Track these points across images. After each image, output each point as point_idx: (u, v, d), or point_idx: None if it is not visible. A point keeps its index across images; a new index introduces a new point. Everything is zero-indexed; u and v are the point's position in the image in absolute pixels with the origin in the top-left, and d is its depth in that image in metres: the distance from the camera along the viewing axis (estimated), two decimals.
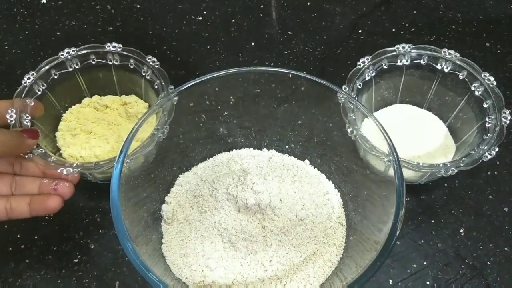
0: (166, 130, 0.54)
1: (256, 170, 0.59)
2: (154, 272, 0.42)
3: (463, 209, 0.61)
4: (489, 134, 0.56)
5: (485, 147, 0.55)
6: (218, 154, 0.63)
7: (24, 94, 0.56)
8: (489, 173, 0.64)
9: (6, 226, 0.59)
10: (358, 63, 0.62)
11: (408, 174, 0.58)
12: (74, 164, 0.52)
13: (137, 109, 0.64)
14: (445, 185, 0.63)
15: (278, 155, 0.62)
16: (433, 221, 0.61)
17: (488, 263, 0.58)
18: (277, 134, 0.62)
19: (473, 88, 0.60)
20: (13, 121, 0.54)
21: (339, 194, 0.60)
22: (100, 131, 0.62)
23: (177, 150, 0.59)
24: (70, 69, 0.61)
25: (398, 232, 0.43)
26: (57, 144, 0.61)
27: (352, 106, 0.55)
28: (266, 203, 0.54)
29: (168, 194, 0.59)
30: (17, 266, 0.57)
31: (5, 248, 0.58)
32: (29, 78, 0.57)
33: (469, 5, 0.83)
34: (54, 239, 0.59)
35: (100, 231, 0.59)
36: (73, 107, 0.64)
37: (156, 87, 0.60)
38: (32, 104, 0.56)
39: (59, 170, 0.52)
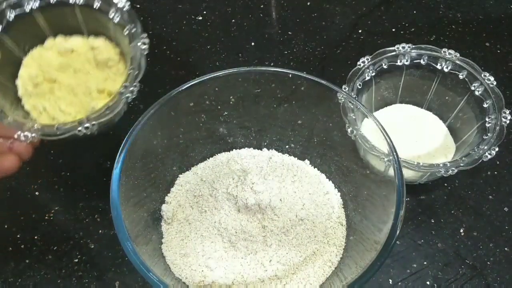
0: (135, 88, 0.49)
1: (256, 170, 0.59)
2: (154, 272, 0.42)
3: (463, 209, 0.61)
4: (489, 134, 0.56)
5: (485, 147, 0.55)
6: (218, 154, 0.63)
7: None
8: (489, 173, 0.64)
9: (6, 226, 0.59)
10: (358, 63, 0.62)
11: (408, 174, 0.58)
12: (34, 127, 0.47)
13: (108, 56, 0.56)
14: (445, 185, 0.63)
15: (278, 155, 0.62)
16: (433, 221, 0.61)
17: (488, 263, 0.58)
18: (277, 134, 0.62)
19: (473, 88, 0.60)
20: None
21: (339, 194, 0.59)
22: (65, 80, 0.55)
23: (177, 150, 0.59)
24: (27, 10, 0.53)
25: (398, 232, 0.44)
26: (18, 94, 0.55)
27: (352, 106, 0.55)
28: (266, 203, 0.54)
29: (168, 194, 0.59)
30: (17, 266, 0.57)
31: (5, 248, 0.58)
32: None
33: (469, 5, 0.83)
34: (54, 239, 0.59)
35: (100, 231, 0.59)
36: (34, 49, 0.57)
37: (125, 33, 0.53)
38: None
39: (15, 136, 0.47)
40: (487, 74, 0.59)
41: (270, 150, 0.63)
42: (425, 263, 0.58)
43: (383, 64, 0.63)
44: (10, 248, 0.58)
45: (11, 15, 0.52)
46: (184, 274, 0.52)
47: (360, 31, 0.80)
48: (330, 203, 0.58)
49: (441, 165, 0.54)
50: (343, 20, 0.82)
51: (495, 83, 0.59)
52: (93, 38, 0.57)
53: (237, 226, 0.54)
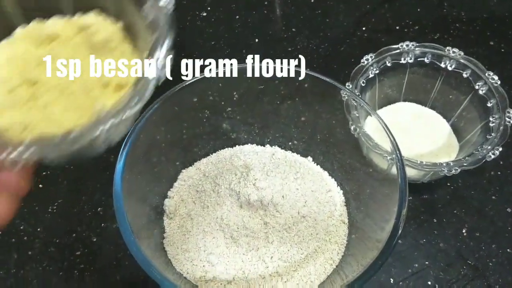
0: (167, 61, 0.33)
1: (259, 166, 0.59)
2: (156, 266, 0.42)
3: (466, 209, 0.61)
4: (492, 134, 0.56)
5: (489, 147, 0.55)
6: (221, 150, 0.63)
7: None
8: (492, 173, 0.64)
9: None
10: (362, 60, 0.62)
11: (411, 172, 0.58)
12: (27, 142, 0.30)
13: (106, 35, 0.38)
14: (448, 184, 0.63)
15: (281, 152, 0.62)
16: (435, 221, 0.60)
17: (490, 264, 0.57)
18: (280, 131, 0.62)
19: (477, 87, 0.60)
20: None
21: (341, 191, 0.59)
22: (52, 78, 0.37)
23: (180, 145, 0.59)
24: None
25: (400, 231, 0.43)
26: None
27: (355, 104, 0.55)
28: (268, 199, 0.54)
29: (171, 189, 0.59)
30: (19, 258, 0.57)
31: (8, 239, 0.58)
32: None
33: (474, 3, 0.83)
34: (57, 232, 0.59)
35: (102, 224, 0.60)
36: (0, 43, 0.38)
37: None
38: None
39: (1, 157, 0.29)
40: (491, 73, 0.59)
41: (273, 146, 0.63)
42: (426, 263, 0.58)
43: (387, 62, 0.62)
44: (13, 240, 0.58)
45: None
46: (185, 269, 0.52)
47: (364, 28, 0.80)
48: (333, 200, 0.58)
49: (444, 164, 0.54)
50: (347, 17, 0.82)
51: (499, 82, 0.59)
52: (81, 16, 0.39)
53: (239, 222, 0.54)
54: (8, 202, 0.31)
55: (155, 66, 0.32)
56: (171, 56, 0.33)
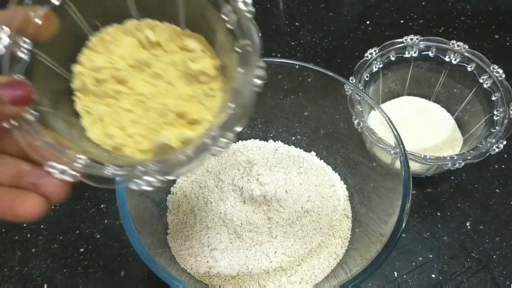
0: (229, 140, 0.31)
1: (262, 161, 0.59)
2: (160, 262, 0.42)
3: (470, 202, 0.61)
4: (497, 127, 0.56)
5: (493, 140, 0.54)
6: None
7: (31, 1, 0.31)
8: (496, 166, 0.64)
9: None
10: (366, 54, 0.62)
11: (414, 166, 0.58)
12: (78, 160, 0.30)
13: (203, 67, 0.36)
14: (452, 178, 0.63)
15: (284, 147, 0.62)
16: (439, 214, 0.60)
17: (494, 256, 0.57)
18: (283, 126, 0.62)
19: (481, 81, 0.60)
20: (2, 51, 0.30)
21: (345, 186, 0.59)
22: (138, 85, 0.36)
23: None
24: None
25: (404, 225, 0.43)
26: (72, 86, 0.36)
27: (359, 98, 0.54)
28: (272, 194, 0.53)
29: (174, 185, 0.59)
30: (23, 255, 0.57)
31: (11, 237, 0.58)
32: None
33: None
34: (60, 229, 0.59)
35: (106, 221, 0.60)
36: (107, 28, 0.36)
37: (237, 48, 0.34)
38: (39, 19, 0.30)
39: (47, 167, 0.29)
40: (496, 67, 0.59)
41: (276, 141, 0.63)
42: (430, 256, 0.57)
43: (391, 56, 0.62)
44: (17, 237, 0.59)
45: None
46: (189, 265, 0.52)
47: (368, 22, 0.80)
48: (336, 195, 0.58)
49: (448, 158, 0.54)
50: (351, 11, 0.82)
51: (504, 76, 0.58)
52: (188, 35, 0.37)
53: (242, 217, 0.54)
54: (40, 204, 0.30)
55: (217, 139, 0.31)
56: (233, 136, 0.32)
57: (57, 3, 0.32)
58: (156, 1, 0.36)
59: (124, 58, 0.36)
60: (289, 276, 0.51)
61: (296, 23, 0.80)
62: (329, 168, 0.61)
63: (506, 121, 0.55)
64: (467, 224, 0.60)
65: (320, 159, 0.62)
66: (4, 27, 0.29)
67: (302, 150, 0.62)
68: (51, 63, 0.34)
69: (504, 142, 0.54)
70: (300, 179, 0.57)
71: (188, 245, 0.53)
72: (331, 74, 0.53)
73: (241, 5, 0.33)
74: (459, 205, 0.61)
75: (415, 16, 0.80)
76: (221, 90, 0.36)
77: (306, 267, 0.52)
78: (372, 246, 0.46)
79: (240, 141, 0.63)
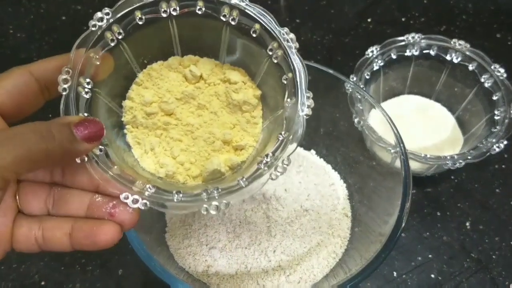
0: (285, 165, 0.35)
1: None
2: (158, 261, 0.42)
3: (470, 202, 0.61)
4: (497, 127, 0.56)
5: (493, 140, 0.54)
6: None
7: (90, 44, 0.34)
8: (496, 166, 0.64)
9: None
10: (367, 52, 0.62)
11: (414, 166, 0.58)
12: (148, 186, 0.33)
13: (246, 98, 0.39)
14: (452, 177, 0.63)
15: None
16: (439, 214, 0.60)
17: (494, 256, 0.57)
18: None
19: (482, 80, 0.59)
20: (67, 90, 0.32)
21: (344, 185, 0.59)
22: (185, 116, 0.39)
23: None
24: (164, 15, 0.37)
25: (403, 225, 0.43)
26: (122, 120, 0.38)
27: (359, 96, 0.54)
28: (271, 193, 0.53)
29: None
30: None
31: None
32: (101, 20, 0.34)
33: None
34: None
35: None
36: (153, 64, 0.39)
37: (284, 81, 0.37)
38: (98, 60, 0.34)
39: (122, 197, 0.32)
40: (497, 66, 0.59)
41: None
42: (430, 256, 0.57)
43: (392, 54, 0.62)
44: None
45: (142, 17, 0.36)
46: (188, 263, 0.52)
47: (369, 20, 0.79)
48: (336, 194, 0.58)
49: (448, 157, 0.53)
50: (352, 8, 0.81)
51: (505, 75, 0.58)
52: (229, 68, 0.40)
53: (241, 215, 0.53)
54: (117, 231, 0.33)
55: (275, 160, 0.35)
56: (288, 160, 0.35)
57: (112, 44, 0.35)
58: (199, 39, 0.39)
59: (171, 91, 0.39)
60: (288, 276, 0.51)
61: (297, 20, 0.79)
62: (328, 166, 0.60)
63: (506, 121, 0.55)
64: (467, 224, 0.59)
65: (320, 158, 0.61)
66: (69, 69, 0.32)
67: (302, 148, 0.62)
68: (106, 99, 0.37)
69: (505, 142, 0.54)
70: (300, 177, 0.57)
71: (187, 244, 0.53)
72: (331, 72, 0.52)
73: (286, 43, 0.37)
74: (459, 204, 0.61)
75: (417, 14, 0.80)
76: (261, 117, 0.40)
77: (305, 266, 0.52)
78: (372, 246, 0.46)
79: None
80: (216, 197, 0.34)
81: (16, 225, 0.32)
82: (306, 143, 0.62)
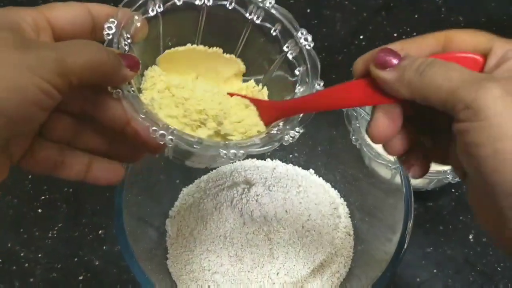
0: (298, 132, 0.37)
1: (260, 181, 0.58)
2: None
3: (472, 215, 0.60)
4: None
5: None
6: (221, 166, 0.62)
7: (135, 7, 0.38)
8: None
9: (9, 245, 0.59)
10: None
11: (415, 181, 0.57)
12: (172, 130, 0.34)
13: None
14: (453, 190, 0.63)
15: (282, 165, 0.62)
16: (441, 228, 0.60)
17: (499, 269, 0.57)
18: (281, 144, 0.61)
19: None
20: (111, 37, 0.35)
21: (345, 203, 0.59)
22: (200, 94, 0.41)
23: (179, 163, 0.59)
24: (199, 2, 0.40)
25: (407, 244, 0.43)
26: (142, 86, 0.40)
27: (355, 114, 0.54)
28: (272, 214, 0.53)
29: (172, 208, 0.58)
30: (22, 285, 0.56)
31: (9, 267, 0.58)
32: None
33: (471, 7, 0.83)
34: (59, 257, 0.58)
35: (104, 247, 0.59)
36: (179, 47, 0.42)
37: (296, 76, 0.41)
38: (139, 23, 0.37)
39: (151, 130, 0.33)
40: None
41: (274, 160, 0.62)
42: (434, 270, 0.57)
43: None
44: (14, 267, 0.58)
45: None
46: None
47: (361, 37, 0.80)
48: (337, 212, 0.57)
49: (448, 171, 0.53)
50: (344, 26, 0.82)
51: None
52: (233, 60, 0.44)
53: (242, 239, 0.53)
54: (116, 169, 0.36)
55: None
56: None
57: (152, 14, 0.38)
58: (220, 33, 0.42)
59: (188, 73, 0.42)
60: None
61: None
62: (328, 185, 0.60)
63: None
64: (470, 236, 0.59)
65: (319, 177, 0.61)
66: (115, 20, 0.35)
67: (300, 168, 0.62)
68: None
69: None
70: (300, 197, 0.57)
71: (189, 269, 0.53)
72: None
73: (303, 41, 0.40)
74: (461, 217, 0.60)
75: (408, 29, 0.80)
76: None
77: None
78: (376, 264, 0.46)
79: (237, 160, 0.62)
80: (234, 147, 0.35)
81: (36, 146, 0.34)
82: (304, 162, 0.62)
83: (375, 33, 0.80)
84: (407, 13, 0.82)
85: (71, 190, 0.63)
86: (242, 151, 0.34)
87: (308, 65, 0.41)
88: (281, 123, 0.38)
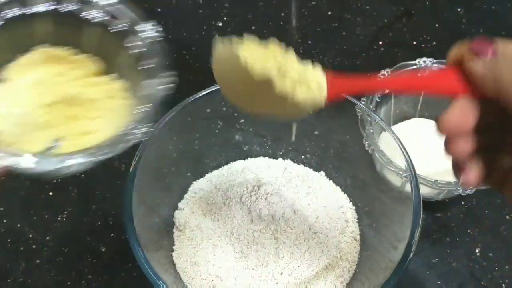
0: (149, 130, 0.38)
1: (271, 180, 0.58)
2: (164, 279, 0.42)
3: (480, 229, 0.60)
4: None
5: None
6: (233, 162, 0.62)
7: None
8: None
9: (18, 225, 0.59)
10: (378, 75, 0.61)
11: (425, 190, 0.57)
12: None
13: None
14: (462, 203, 0.62)
15: (293, 166, 0.62)
16: (448, 240, 0.59)
17: (503, 285, 0.56)
18: (293, 144, 0.62)
19: None
20: None
21: (353, 208, 0.59)
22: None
23: (191, 156, 0.59)
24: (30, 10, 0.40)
25: (412, 253, 0.43)
26: None
27: (369, 119, 0.54)
28: (280, 214, 0.53)
29: (181, 201, 0.58)
30: (27, 266, 0.57)
31: (16, 247, 0.58)
32: None
33: (492, 19, 0.82)
34: (66, 240, 0.59)
35: (111, 234, 0.59)
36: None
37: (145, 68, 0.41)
38: None
39: None
40: None
41: (285, 160, 0.62)
42: (438, 282, 0.57)
43: None
44: (22, 248, 0.58)
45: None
46: (194, 283, 0.51)
47: (380, 42, 0.80)
48: (344, 217, 0.57)
49: (459, 183, 0.53)
50: (364, 31, 0.81)
51: None
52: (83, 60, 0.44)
53: (249, 236, 0.53)
54: None
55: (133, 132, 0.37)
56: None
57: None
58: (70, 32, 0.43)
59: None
60: None
61: (309, 41, 0.80)
62: (338, 189, 0.60)
63: None
64: (476, 250, 0.59)
65: (330, 180, 0.61)
66: None
67: (311, 169, 0.62)
68: None
69: None
70: (309, 199, 0.57)
71: (194, 263, 0.53)
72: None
73: (145, 34, 0.41)
74: (468, 230, 0.60)
75: (428, 38, 0.80)
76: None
77: None
78: (381, 271, 0.46)
79: (249, 158, 0.63)
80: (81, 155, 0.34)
81: None
82: (316, 164, 0.62)
83: (395, 40, 0.80)
84: (427, 22, 0.82)
85: (83, 175, 0.63)
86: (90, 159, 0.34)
87: (155, 58, 0.41)
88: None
